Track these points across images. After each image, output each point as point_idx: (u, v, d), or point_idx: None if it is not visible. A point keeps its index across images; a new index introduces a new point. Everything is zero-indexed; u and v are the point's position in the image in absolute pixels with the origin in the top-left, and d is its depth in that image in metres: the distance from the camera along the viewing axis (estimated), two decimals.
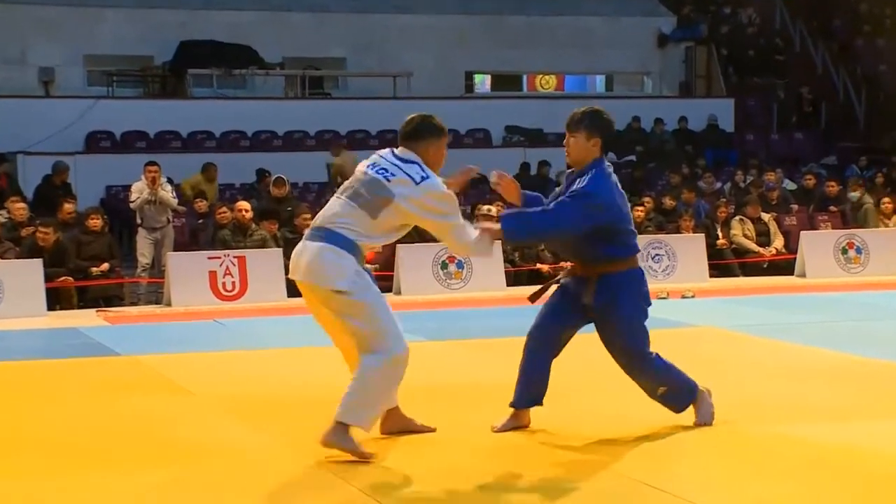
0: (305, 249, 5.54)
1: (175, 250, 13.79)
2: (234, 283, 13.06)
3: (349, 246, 5.44)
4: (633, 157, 21.37)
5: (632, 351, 5.86)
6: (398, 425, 5.96)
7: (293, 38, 22.37)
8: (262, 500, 4.94)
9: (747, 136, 22.86)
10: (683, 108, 22.65)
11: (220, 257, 13.12)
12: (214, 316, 11.70)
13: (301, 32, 22.52)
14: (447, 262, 13.83)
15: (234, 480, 5.22)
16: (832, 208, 17.12)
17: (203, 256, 13.25)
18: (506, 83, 25.19)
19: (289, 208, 14.78)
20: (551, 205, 5.82)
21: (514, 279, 14.31)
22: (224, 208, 14.06)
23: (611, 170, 5.92)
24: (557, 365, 6.02)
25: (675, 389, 5.92)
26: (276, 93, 21.99)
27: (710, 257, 14.88)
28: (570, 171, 6.09)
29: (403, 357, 5.52)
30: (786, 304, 11.93)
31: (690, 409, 5.97)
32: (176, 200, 14.32)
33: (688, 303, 12.47)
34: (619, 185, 5.93)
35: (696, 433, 5.88)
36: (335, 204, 5.58)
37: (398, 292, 13.63)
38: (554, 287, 6.12)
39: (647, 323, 5.95)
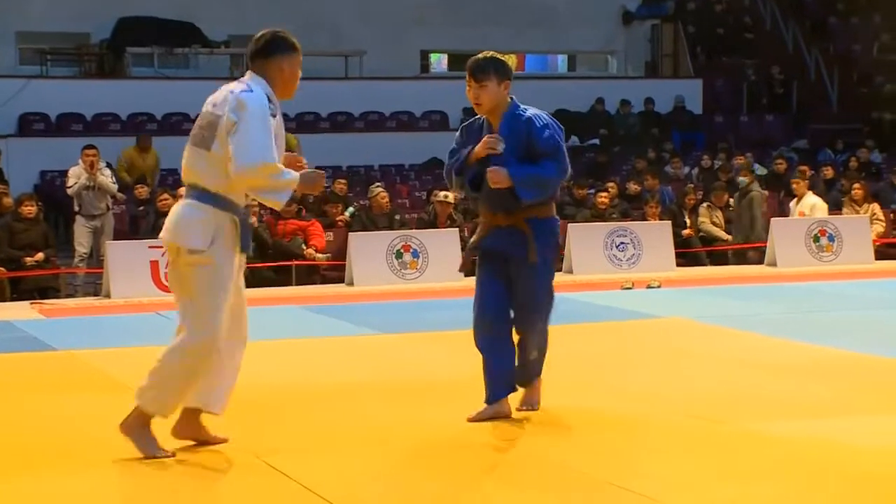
0: (175, 208, 5.38)
1: (115, 239, 13.71)
2: None
3: (207, 196, 5.23)
4: (596, 141, 21.44)
5: (542, 299, 5.94)
6: (191, 432, 5.61)
7: (239, 14, 22.25)
8: (204, 499, 4.92)
9: (716, 119, 23.00)
10: (649, 88, 22.75)
11: (161, 246, 13.02)
12: (157, 308, 11.63)
13: (247, 9, 22.40)
14: (402, 251, 13.83)
15: (180, 484, 5.19)
16: None
17: (144, 245, 13.16)
18: (463, 63, 24.92)
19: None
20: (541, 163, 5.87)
21: (472, 268, 14.31)
22: (166, 195, 13.98)
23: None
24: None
25: (540, 361, 6.04)
26: (222, 73, 21.82)
27: (676, 246, 14.97)
28: (475, 119, 6.16)
29: (213, 350, 5.29)
30: (756, 294, 12.03)
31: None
32: (116, 186, 14.23)
33: (654, 293, 12.54)
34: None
35: (663, 429, 5.92)
36: (186, 154, 5.36)
37: (350, 283, 13.62)
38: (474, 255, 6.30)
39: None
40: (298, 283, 13.85)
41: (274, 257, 14.06)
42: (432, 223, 14.61)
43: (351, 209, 15.17)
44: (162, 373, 5.31)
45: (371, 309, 11.56)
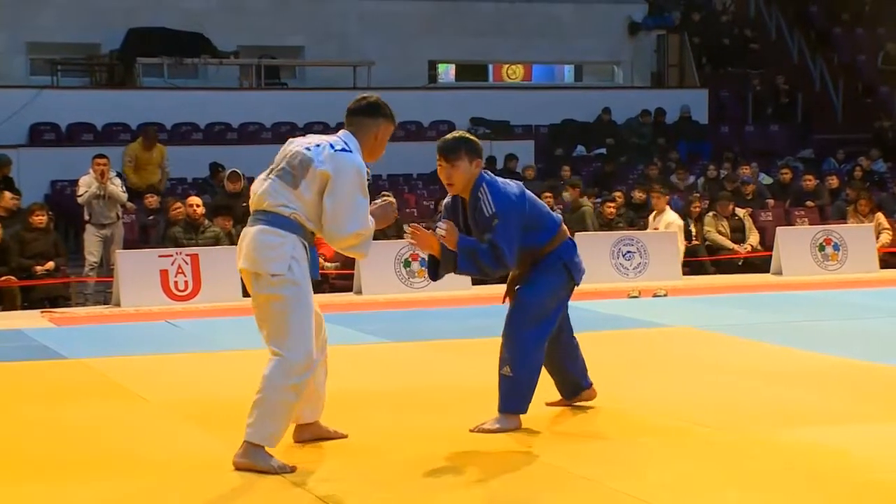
0: (247, 234, 5.45)
1: (125, 248, 13.73)
2: (186, 282, 13.01)
3: (292, 226, 5.35)
4: (602, 150, 21.44)
5: (524, 315, 6.00)
6: (313, 433, 5.90)
7: (248, 25, 22.29)
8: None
9: (721, 129, 22.99)
10: (655, 98, 22.74)
11: (171, 255, 13.07)
12: (166, 317, 11.65)
13: (256, 19, 22.44)
14: (410, 259, 13.84)
15: (191, 490, 5.20)
16: (809, 203, 17.26)
17: (154, 254, 13.20)
18: (471, 73, 25.20)
19: (244, 204, 14.71)
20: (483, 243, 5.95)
21: (478, 278, 14.32)
22: (178, 204, 14.01)
23: (488, 174, 6.07)
24: None
25: (516, 383, 5.99)
26: (231, 83, 21.90)
27: (683, 255, 14.97)
28: (449, 199, 6.24)
29: (308, 371, 5.43)
30: (761, 302, 12.02)
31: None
32: (126, 196, 14.26)
33: (660, 302, 12.53)
34: (502, 180, 6.12)
35: (667, 436, 5.91)
36: (264, 182, 5.46)
37: (359, 292, 13.63)
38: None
39: (562, 303, 6.18)
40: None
41: None
42: None
43: None
44: (269, 401, 5.38)
45: (379, 317, 11.56)
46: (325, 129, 20.47)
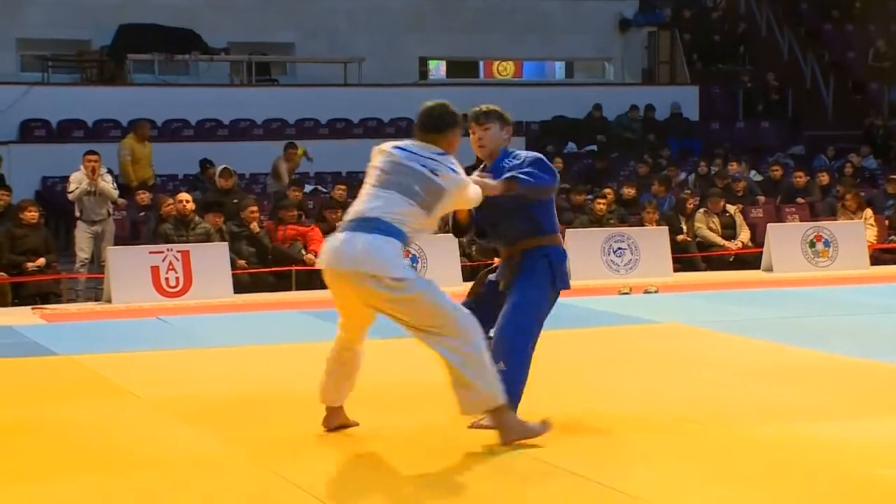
0: (354, 238, 5.59)
1: (116, 244, 13.71)
2: (177, 278, 13.00)
3: (402, 238, 5.59)
4: (594, 147, 21.45)
5: (527, 312, 5.98)
6: (340, 421, 6.12)
7: (239, 21, 22.26)
8: (203, 500, 4.94)
9: (712, 125, 23.01)
10: (646, 95, 22.76)
11: (162, 252, 13.06)
12: (157, 313, 11.64)
13: (247, 16, 22.41)
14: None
15: (181, 489, 5.20)
16: (800, 200, 17.29)
17: (145, 251, 13.19)
18: (461, 69, 25.19)
19: (235, 200, 14.74)
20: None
21: (470, 274, 14.32)
22: (169, 200, 14.01)
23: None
24: None
25: (512, 377, 5.86)
26: (221, 79, 21.87)
27: (674, 251, 14.99)
28: (479, 166, 6.35)
29: (472, 322, 5.59)
30: (752, 299, 12.04)
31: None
32: (117, 192, 14.24)
33: (651, 298, 12.55)
34: None
35: (658, 433, 5.93)
36: (384, 195, 5.64)
37: None
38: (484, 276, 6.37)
39: (550, 308, 6.10)
40: (298, 288, 13.86)
41: (274, 262, 14.07)
42: None
43: None
44: (477, 370, 5.53)
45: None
46: (316, 125, 20.48)
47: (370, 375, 7.92)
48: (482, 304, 6.10)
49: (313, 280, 14.18)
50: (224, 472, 5.40)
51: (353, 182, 18.10)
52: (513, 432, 5.64)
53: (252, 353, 9.07)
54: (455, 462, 5.51)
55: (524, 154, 6.23)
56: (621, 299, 12.44)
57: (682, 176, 19.30)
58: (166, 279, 12.99)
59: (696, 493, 4.96)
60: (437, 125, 5.87)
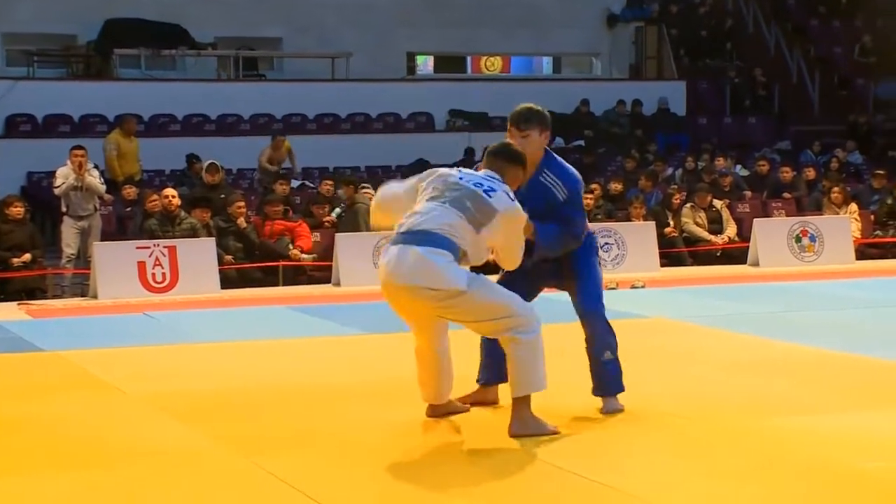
0: (406, 252, 5.68)
1: (102, 239, 13.67)
2: (164, 274, 12.97)
3: (452, 247, 5.66)
4: (581, 142, 21.46)
5: (596, 297, 6.25)
6: (446, 409, 6.22)
7: (226, 16, 22.20)
8: (192, 497, 4.91)
9: (699, 120, 23.03)
10: (633, 90, 22.77)
11: (149, 247, 13.03)
12: (144, 309, 11.61)
13: (234, 11, 22.36)
14: None
15: (168, 483, 5.18)
16: (786, 195, 17.31)
17: (131, 246, 13.15)
18: (449, 65, 25.17)
19: (222, 196, 14.71)
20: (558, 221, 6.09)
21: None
22: (154, 196, 13.97)
23: (548, 150, 6.24)
24: None
25: (618, 364, 6.24)
26: (209, 74, 21.82)
27: (660, 246, 14.99)
28: None
29: (535, 315, 5.75)
30: (738, 294, 12.05)
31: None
32: (104, 187, 14.19)
33: (638, 293, 12.55)
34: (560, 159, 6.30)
35: (647, 427, 5.92)
36: (436, 208, 5.71)
37: (337, 283, 13.61)
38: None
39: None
40: (285, 284, 13.83)
41: (261, 258, 14.05)
42: None
43: (337, 210, 15.15)
44: (529, 353, 5.73)
45: (358, 309, 11.54)
46: (304, 120, 20.45)
47: (368, 370, 7.93)
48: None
49: (300, 275, 14.18)
50: (211, 468, 5.39)
51: (341, 177, 18.11)
52: (525, 427, 5.74)
53: (239, 348, 9.05)
54: (442, 457, 5.50)
55: (562, 176, 6.14)
56: (608, 294, 12.39)
57: (669, 171, 19.31)
58: (153, 275, 12.95)
59: (687, 488, 4.96)
60: (507, 158, 5.93)
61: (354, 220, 14.77)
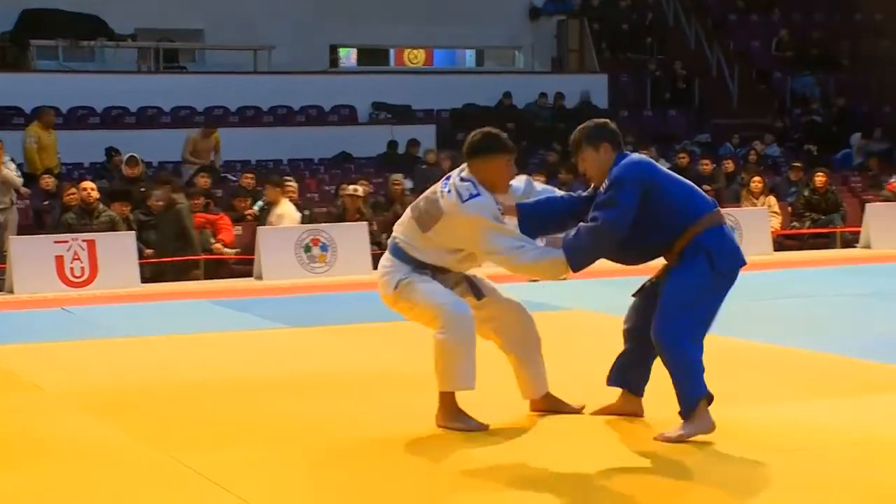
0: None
1: (19, 233, 13.45)
2: (82, 268, 12.80)
3: (401, 255, 5.71)
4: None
5: (669, 309, 5.53)
6: (550, 405, 6.07)
7: (146, 7, 21.94)
8: (115, 496, 4.85)
9: (621, 113, 23.18)
10: (556, 83, 22.88)
11: (67, 241, 12.85)
12: (61, 304, 11.45)
13: (154, 2, 22.10)
14: (310, 245, 13.76)
15: (86, 481, 5.11)
16: (706, 187, 17.47)
17: (49, 240, 12.95)
18: (372, 57, 25.11)
19: (142, 189, 14.54)
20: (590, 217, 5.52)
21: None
22: (72, 189, 13.78)
23: (632, 153, 5.74)
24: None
25: (682, 387, 5.52)
26: (128, 66, 21.56)
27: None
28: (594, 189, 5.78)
29: (457, 316, 5.63)
30: None
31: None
32: (21, 180, 13.97)
33: (560, 285, 12.56)
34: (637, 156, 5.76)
35: (571, 422, 5.94)
36: (407, 211, 5.84)
37: (259, 277, 13.52)
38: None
39: (714, 296, 5.64)
40: (207, 278, 13.71)
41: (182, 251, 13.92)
42: (341, 217, 14.54)
43: (259, 203, 15.05)
44: (438, 353, 5.70)
45: (280, 303, 11.49)
46: (226, 112, 20.28)
47: (288, 365, 7.88)
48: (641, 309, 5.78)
49: (221, 269, 14.06)
50: (130, 464, 5.32)
51: (263, 170, 18.01)
52: (448, 420, 5.73)
53: (159, 343, 8.96)
54: (372, 454, 5.48)
55: (612, 174, 5.53)
56: (531, 286, 12.46)
57: None
58: (71, 269, 12.78)
59: (617, 479, 4.99)
60: (465, 152, 5.72)
61: (177, 222, 13.70)
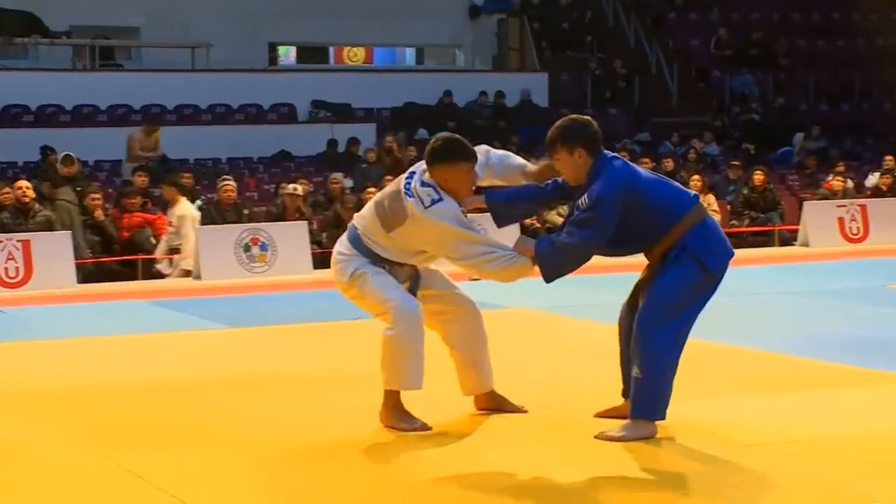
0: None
1: None
2: (17, 268, 12.67)
3: (360, 246, 5.68)
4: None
5: (650, 312, 5.46)
6: (494, 403, 6.05)
7: (81, 4, 21.71)
8: (50, 498, 4.81)
9: (561, 112, 23.18)
10: (496, 82, 22.92)
11: (1, 241, 12.70)
12: None
13: None
14: (250, 244, 13.70)
15: (23, 483, 5.06)
16: None
17: None
18: (312, 55, 25.03)
19: (78, 188, 14.40)
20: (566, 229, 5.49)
21: (321, 261, 14.25)
22: (7, 188, 13.62)
23: (612, 157, 5.54)
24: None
25: (644, 385, 5.44)
26: (63, 64, 21.33)
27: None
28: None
29: (406, 313, 5.60)
30: (600, 282, 12.16)
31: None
32: None
33: (498, 283, 12.60)
34: (620, 163, 5.53)
35: (508, 420, 5.96)
36: (370, 203, 5.77)
37: (198, 277, 13.44)
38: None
39: (699, 296, 5.53)
40: (145, 278, 13.62)
41: (122, 251, 13.81)
42: (281, 216, 14.49)
43: (198, 202, 14.96)
44: (385, 352, 5.68)
45: (219, 303, 11.44)
46: (163, 111, 20.13)
47: (228, 366, 7.83)
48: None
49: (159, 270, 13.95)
50: (67, 467, 5.27)
51: (201, 169, 17.91)
52: (390, 420, 5.72)
53: (96, 344, 8.88)
54: (312, 455, 5.47)
55: (593, 191, 5.36)
56: (470, 285, 12.46)
57: (533, 161, 19.48)
58: (5, 269, 12.63)
59: (562, 477, 5.01)
60: (426, 155, 5.66)
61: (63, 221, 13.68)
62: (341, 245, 5.78)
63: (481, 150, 5.94)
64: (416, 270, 5.85)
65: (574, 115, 5.71)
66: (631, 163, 5.68)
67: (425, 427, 5.71)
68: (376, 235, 5.66)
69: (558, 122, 5.63)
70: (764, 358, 7.69)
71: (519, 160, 6.06)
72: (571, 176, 5.55)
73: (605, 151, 5.57)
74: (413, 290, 5.82)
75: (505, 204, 5.86)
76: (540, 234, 15.67)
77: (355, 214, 5.89)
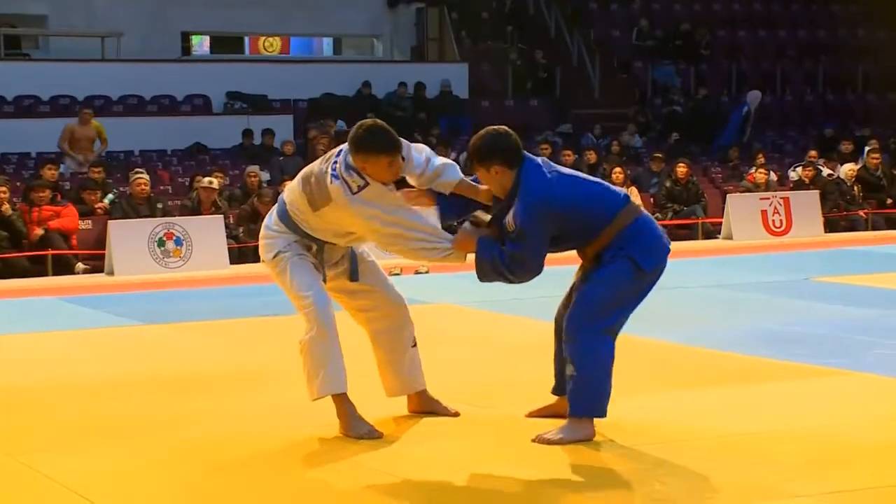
0: None
1: None
2: None
3: (289, 222, 5.61)
4: None
5: (582, 309, 5.52)
6: (425, 406, 6.00)
7: None
8: None
9: (482, 103, 23.34)
10: (416, 72, 22.91)
11: None
12: None
13: None
14: (164, 239, 13.57)
15: None
16: None
17: None
18: (226, 45, 24.84)
19: None
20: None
21: (238, 256, 14.17)
22: None
23: (536, 164, 5.55)
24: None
25: (581, 383, 5.45)
26: None
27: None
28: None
29: (321, 315, 5.54)
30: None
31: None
32: None
33: (422, 278, 12.65)
34: (548, 169, 5.53)
35: (440, 419, 5.95)
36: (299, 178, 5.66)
37: (110, 272, 13.29)
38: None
39: (630, 294, 5.55)
40: (55, 274, 13.43)
41: (28, 247, 13.60)
42: (196, 210, 14.37)
43: (110, 196, 14.79)
44: (304, 357, 5.62)
45: (133, 299, 11.32)
46: (72, 102, 19.85)
47: (142, 363, 7.75)
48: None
49: (73, 264, 13.77)
50: None
51: (113, 162, 17.70)
52: (340, 426, 5.61)
53: (5, 342, 8.75)
54: (231, 453, 5.44)
55: (515, 213, 5.44)
56: (392, 280, 12.48)
57: (453, 155, 19.50)
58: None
59: (477, 472, 5.02)
60: (351, 142, 5.52)
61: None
62: (270, 219, 5.70)
63: (423, 152, 5.87)
64: (351, 256, 5.80)
65: (488, 129, 5.64)
66: (555, 167, 5.63)
67: (373, 434, 5.55)
68: (303, 213, 5.58)
69: (473, 139, 5.64)
70: (688, 353, 7.77)
71: (456, 177, 5.90)
72: (496, 190, 5.59)
73: (528, 158, 5.57)
74: (353, 274, 5.80)
75: (452, 200, 5.88)
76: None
77: (286, 186, 5.80)
